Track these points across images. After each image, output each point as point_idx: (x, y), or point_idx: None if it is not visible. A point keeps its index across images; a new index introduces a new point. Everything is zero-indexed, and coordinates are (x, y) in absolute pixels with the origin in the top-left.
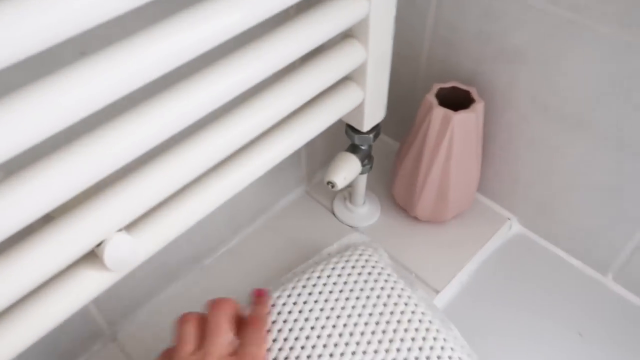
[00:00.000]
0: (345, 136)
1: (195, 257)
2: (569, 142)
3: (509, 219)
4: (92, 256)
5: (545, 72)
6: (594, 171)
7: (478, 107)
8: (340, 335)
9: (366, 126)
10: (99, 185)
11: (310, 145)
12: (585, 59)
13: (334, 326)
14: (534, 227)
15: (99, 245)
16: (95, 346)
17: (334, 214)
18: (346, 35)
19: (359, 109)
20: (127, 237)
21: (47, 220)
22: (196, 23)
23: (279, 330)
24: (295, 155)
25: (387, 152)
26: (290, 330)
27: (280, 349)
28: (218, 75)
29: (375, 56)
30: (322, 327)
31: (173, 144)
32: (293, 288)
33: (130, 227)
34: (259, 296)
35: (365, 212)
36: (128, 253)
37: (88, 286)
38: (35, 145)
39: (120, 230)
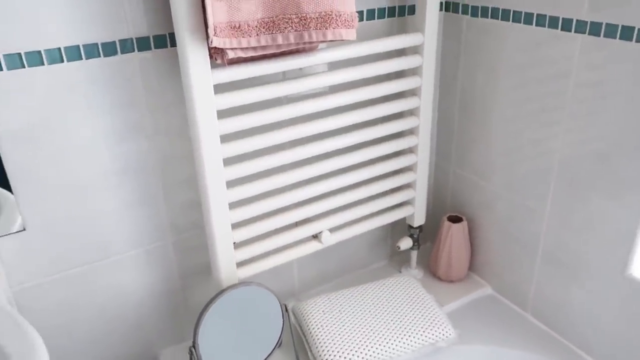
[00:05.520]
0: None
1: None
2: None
3: (485, 285)
4: (315, 238)
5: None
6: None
7: (464, 223)
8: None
9: (416, 224)
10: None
11: (393, 234)
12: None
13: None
14: (500, 292)
15: (320, 233)
16: (288, 300)
17: (400, 272)
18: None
19: (412, 216)
20: (329, 233)
21: (306, 221)
22: None
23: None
24: (383, 238)
25: (427, 242)
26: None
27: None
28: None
29: (420, 193)
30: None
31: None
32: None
33: (331, 229)
34: None
35: (415, 272)
36: (329, 239)
37: (312, 247)
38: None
39: (328, 229)
